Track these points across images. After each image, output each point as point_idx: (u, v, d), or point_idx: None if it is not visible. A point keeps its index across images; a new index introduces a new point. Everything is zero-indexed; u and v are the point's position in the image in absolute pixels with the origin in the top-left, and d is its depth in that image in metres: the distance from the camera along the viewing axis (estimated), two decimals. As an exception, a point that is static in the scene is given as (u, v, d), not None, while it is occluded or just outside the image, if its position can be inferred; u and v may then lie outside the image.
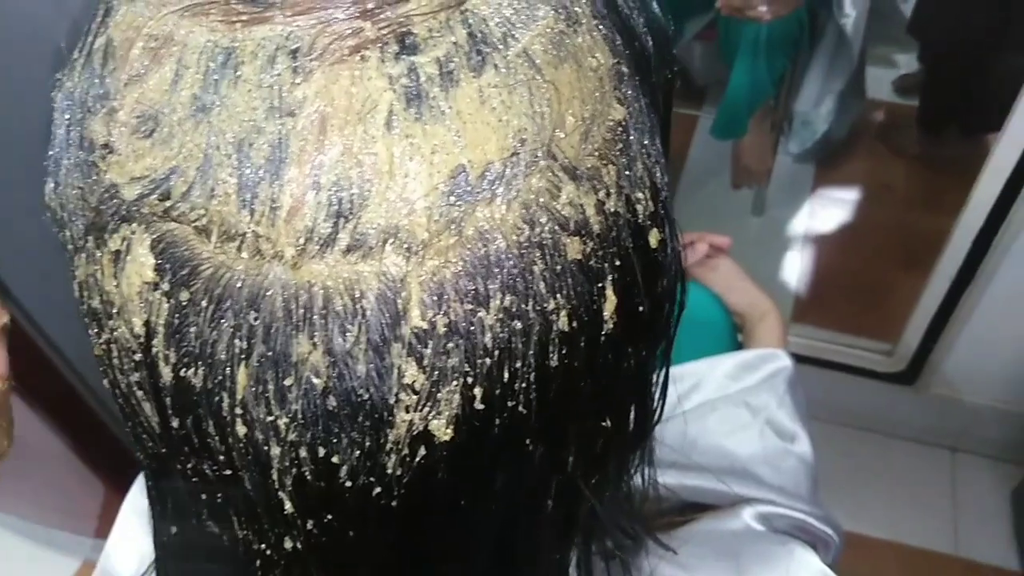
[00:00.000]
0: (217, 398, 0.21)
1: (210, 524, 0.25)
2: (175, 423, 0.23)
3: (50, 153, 0.23)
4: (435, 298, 0.20)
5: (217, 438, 0.22)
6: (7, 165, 0.73)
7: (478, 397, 0.21)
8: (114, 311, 0.22)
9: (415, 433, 0.21)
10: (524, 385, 0.22)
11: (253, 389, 0.21)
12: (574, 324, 0.22)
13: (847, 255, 1.87)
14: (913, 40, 1.94)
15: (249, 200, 0.19)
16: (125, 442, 1.03)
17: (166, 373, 0.22)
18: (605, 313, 0.23)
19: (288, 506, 0.23)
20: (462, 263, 0.20)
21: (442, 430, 0.21)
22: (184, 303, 0.21)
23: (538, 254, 0.21)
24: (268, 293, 0.20)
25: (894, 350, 1.45)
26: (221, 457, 0.23)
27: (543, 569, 0.31)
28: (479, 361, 0.21)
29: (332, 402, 0.21)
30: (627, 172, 0.23)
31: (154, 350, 0.22)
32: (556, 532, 0.30)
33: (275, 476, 0.22)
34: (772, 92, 1.64)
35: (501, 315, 0.21)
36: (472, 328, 0.20)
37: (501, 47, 0.20)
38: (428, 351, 0.20)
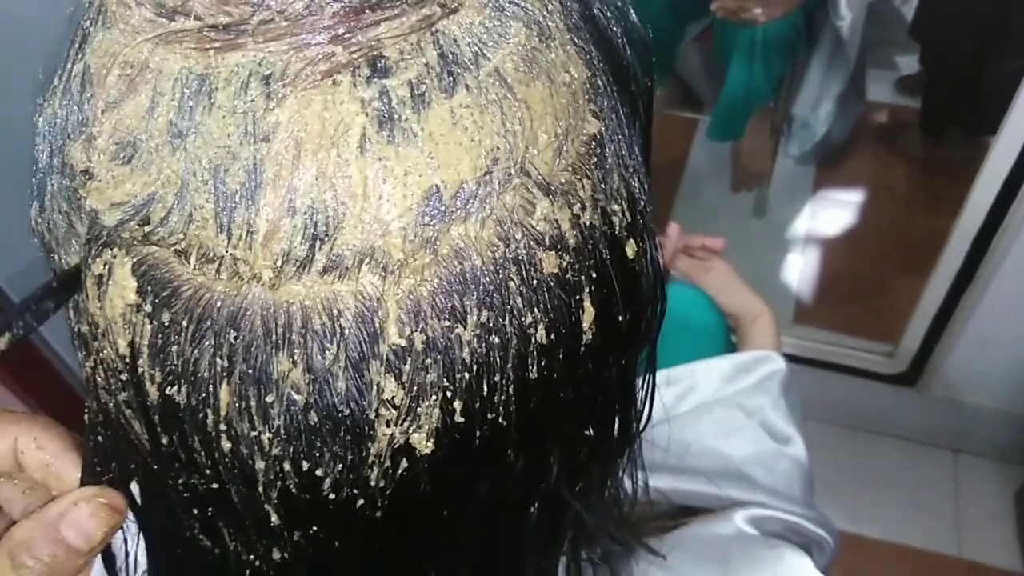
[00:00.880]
0: (202, 415, 0.22)
1: (202, 538, 0.26)
2: (164, 440, 0.23)
3: (33, 179, 0.24)
4: (412, 315, 0.20)
5: (203, 453, 0.23)
6: (5, 167, 0.74)
7: (458, 411, 0.22)
8: (99, 332, 0.22)
9: (396, 446, 0.22)
10: (504, 398, 0.22)
11: (236, 405, 0.21)
12: (552, 337, 0.22)
13: (848, 257, 1.87)
14: (913, 42, 1.93)
15: (226, 224, 0.19)
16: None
17: (152, 391, 0.22)
18: (584, 325, 0.23)
19: (274, 518, 0.23)
20: (438, 281, 0.20)
21: (423, 443, 0.22)
22: (166, 324, 0.21)
23: (514, 270, 0.21)
24: (248, 313, 0.20)
25: (895, 351, 1.45)
26: (208, 471, 0.23)
27: (528, 574, 0.32)
28: (458, 376, 0.21)
29: (313, 417, 0.21)
30: (603, 185, 0.23)
31: (140, 370, 0.22)
32: (541, 539, 0.31)
33: (261, 489, 0.23)
34: (770, 95, 1.64)
35: (478, 330, 0.21)
36: (450, 344, 0.21)
37: (472, 67, 0.20)
38: (407, 367, 0.21)
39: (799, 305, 1.74)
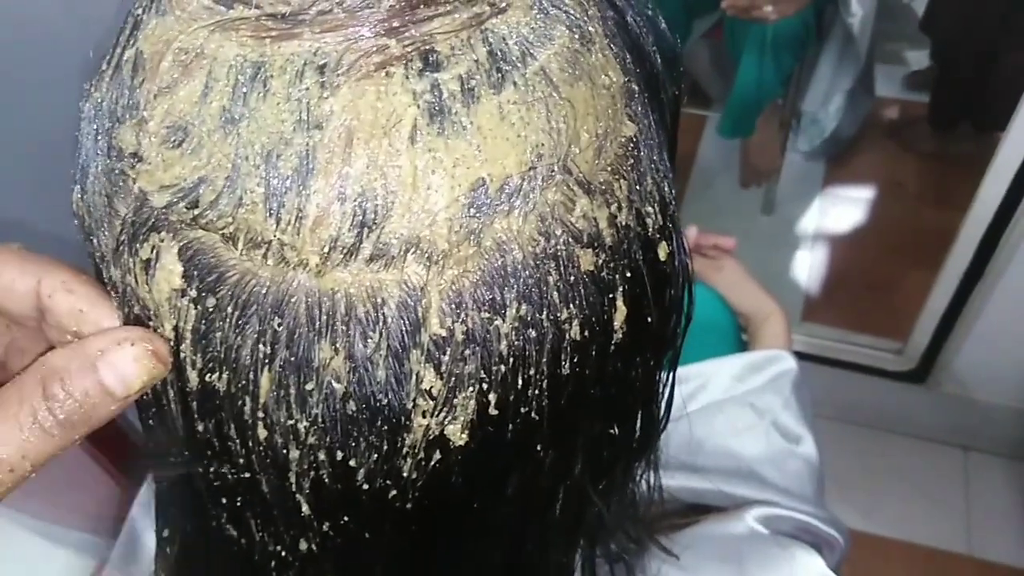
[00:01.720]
0: (240, 402, 0.22)
1: (228, 527, 0.26)
2: (200, 427, 0.23)
3: (78, 161, 0.24)
4: (454, 306, 0.21)
5: (238, 441, 0.23)
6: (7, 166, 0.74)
7: (492, 403, 0.22)
8: (150, 314, 0.23)
9: (431, 437, 0.22)
10: (537, 392, 0.23)
11: (275, 393, 0.22)
12: (586, 333, 0.23)
13: (857, 253, 1.86)
14: (923, 37, 1.92)
15: (276, 209, 0.20)
16: (140, 443, 1.04)
17: (192, 377, 0.22)
18: (615, 323, 0.24)
19: (305, 508, 0.24)
20: (480, 273, 0.21)
21: (457, 435, 0.22)
22: (211, 309, 0.21)
23: (553, 265, 0.22)
24: (292, 299, 0.21)
25: (905, 349, 1.45)
26: (241, 460, 0.23)
27: (550, 570, 0.32)
28: (494, 368, 0.22)
29: (352, 406, 0.21)
30: (638, 187, 0.24)
31: (182, 355, 0.22)
32: (563, 535, 0.31)
33: (293, 479, 0.23)
34: (780, 92, 1.63)
35: (517, 324, 0.21)
36: (488, 336, 0.21)
37: (520, 65, 0.21)
38: (446, 358, 0.21)
39: (808, 302, 1.74)
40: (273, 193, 0.20)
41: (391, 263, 0.20)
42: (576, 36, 0.22)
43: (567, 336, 0.22)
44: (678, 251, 0.26)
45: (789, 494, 0.56)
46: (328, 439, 0.22)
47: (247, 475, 0.24)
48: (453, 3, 0.21)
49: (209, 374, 0.22)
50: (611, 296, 0.23)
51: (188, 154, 0.21)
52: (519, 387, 0.22)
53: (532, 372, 0.22)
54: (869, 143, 2.01)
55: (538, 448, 0.25)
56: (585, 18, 0.23)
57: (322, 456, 0.22)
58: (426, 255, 0.20)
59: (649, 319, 0.25)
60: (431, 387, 0.21)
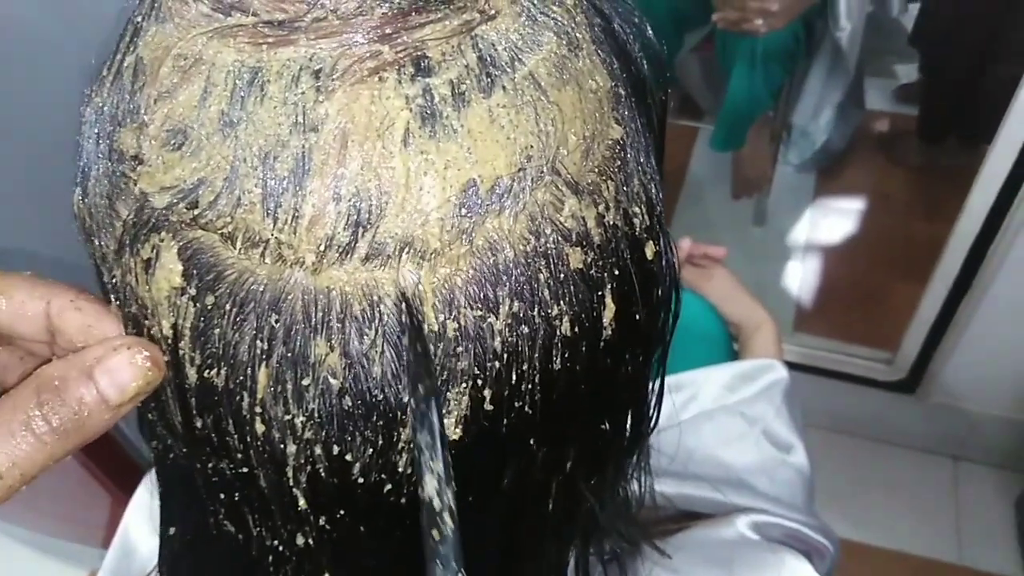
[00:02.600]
0: (238, 397, 0.22)
1: (226, 523, 0.27)
2: (198, 423, 0.24)
3: (78, 164, 0.25)
4: (446, 304, 0.21)
5: (236, 436, 0.23)
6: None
7: (487, 398, 0.23)
8: (148, 313, 0.23)
9: None
10: (530, 387, 0.23)
11: (272, 389, 0.22)
12: (576, 330, 0.23)
13: (848, 264, 1.88)
14: (912, 50, 1.95)
15: (273, 209, 0.20)
16: (132, 453, 1.04)
17: (191, 374, 0.23)
18: (604, 320, 0.24)
19: (302, 502, 0.24)
20: (472, 271, 0.21)
21: (451, 430, 0.23)
22: (209, 307, 0.22)
23: (543, 263, 0.22)
24: (289, 297, 0.21)
25: (894, 359, 1.46)
26: (239, 455, 0.24)
27: (542, 569, 0.32)
28: (489, 364, 0.22)
29: (348, 402, 0.22)
30: (625, 188, 0.24)
31: (180, 352, 0.23)
32: (556, 532, 0.31)
33: (290, 473, 0.24)
34: (770, 104, 1.65)
35: (509, 320, 0.22)
36: (482, 333, 0.22)
37: (508, 70, 0.22)
38: (439, 353, 0.22)
39: (799, 312, 1.75)
40: (270, 193, 0.20)
41: (386, 262, 0.21)
42: (564, 42, 0.23)
43: (558, 332, 0.23)
44: (665, 251, 0.27)
45: (780, 503, 0.57)
46: (324, 434, 0.22)
47: (245, 470, 0.24)
48: (444, 10, 0.21)
49: (207, 370, 0.23)
50: (600, 294, 0.24)
51: (188, 156, 0.21)
52: (513, 382, 0.23)
53: (525, 367, 0.23)
54: (859, 155, 2.03)
55: (532, 443, 0.25)
56: (572, 24, 0.24)
57: (318, 451, 0.23)
58: (419, 254, 0.21)
59: (637, 316, 0.26)
60: None
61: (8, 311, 0.24)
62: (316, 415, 0.22)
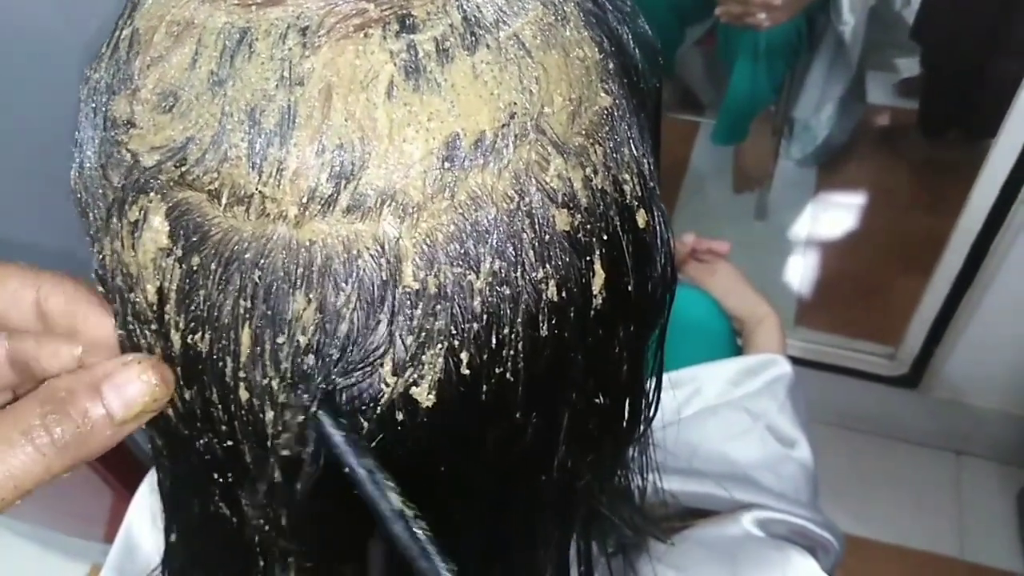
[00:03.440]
0: (221, 363, 0.22)
1: (222, 506, 0.26)
2: (186, 396, 0.24)
3: (76, 139, 0.25)
4: (427, 260, 0.21)
5: (220, 407, 0.23)
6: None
7: (464, 362, 0.22)
8: (133, 282, 0.23)
9: (395, 396, 0.22)
10: (512, 353, 0.23)
11: (252, 352, 0.22)
12: (563, 295, 0.23)
13: (849, 259, 1.87)
14: (914, 45, 1.94)
15: (258, 163, 0.21)
16: (134, 448, 1.04)
17: (176, 340, 0.23)
18: (594, 288, 0.24)
19: (277, 475, 0.24)
20: (454, 227, 0.21)
21: (424, 396, 0.22)
22: (195, 267, 0.22)
23: (527, 222, 0.22)
24: (272, 253, 0.21)
25: (897, 354, 1.46)
26: (224, 427, 0.24)
27: (542, 559, 0.32)
28: (466, 325, 0.22)
29: (311, 360, 0.22)
30: (614, 155, 0.24)
31: (166, 317, 0.23)
32: (553, 514, 0.31)
33: (270, 444, 0.23)
34: (772, 98, 1.64)
35: (490, 279, 0.22)
36: (461, 291, 0.22)
37: (493, 30, 0.22)
38: (417, 312, 0.21)
39: (801, 307, 1.74)
40: (256, 147, 0.21)
41: (367, 214, 0.21)
42: (550, 12, 0.23)
43: (544, 296, 0.23)
44: (658, 224, 0.27)
45: (784, 498, 0.57)
46: (294, 397, 0.22)
47: (230, 443, 0.24)
48: None
49: (191, 335, 0.22)
50: (588, 259, 0.24)
51: (178, 117, 0.21)
52: (493, 346, 0.22)
53: (507, 331, 0.22)
54: (861, 150, 2.03)
55: (517, 414, 0.25)
56: None
57: (288, 416, 0.22)
58: (401, 207, 0.21)
59: (629, 287, 0.25)
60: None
61: (2, 299, 0.24)
62: (287, 376, 0.22)
